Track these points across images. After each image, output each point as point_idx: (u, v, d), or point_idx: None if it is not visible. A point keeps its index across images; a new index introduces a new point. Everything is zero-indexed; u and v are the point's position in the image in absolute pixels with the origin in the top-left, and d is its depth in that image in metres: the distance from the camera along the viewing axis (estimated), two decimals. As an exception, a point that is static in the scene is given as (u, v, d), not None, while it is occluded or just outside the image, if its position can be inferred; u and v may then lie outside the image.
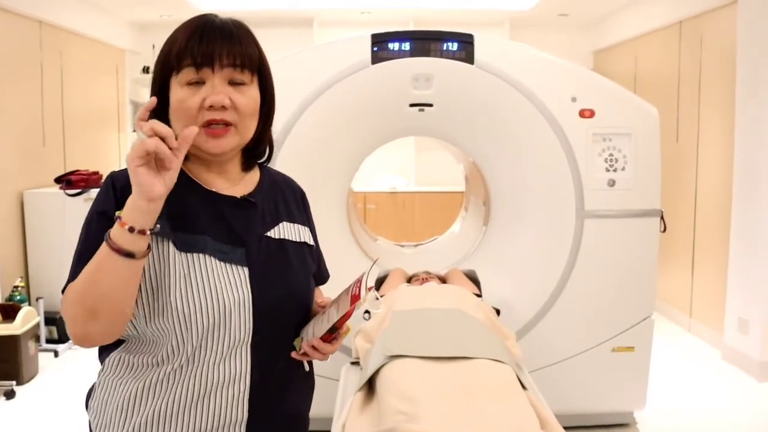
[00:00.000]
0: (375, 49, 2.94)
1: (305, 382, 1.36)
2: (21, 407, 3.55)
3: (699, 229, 4.69)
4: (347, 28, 6.47)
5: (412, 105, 3.00)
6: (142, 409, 1.16)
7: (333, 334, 1.19)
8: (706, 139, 4.59)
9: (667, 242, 4.55)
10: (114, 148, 6.28)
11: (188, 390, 1.16)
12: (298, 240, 1.31)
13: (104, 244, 1.05)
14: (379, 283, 3.02)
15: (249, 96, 1.20)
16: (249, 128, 1.23)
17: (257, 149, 1.31)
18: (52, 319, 4.38)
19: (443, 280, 3.00)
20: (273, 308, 1.21)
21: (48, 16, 4.94)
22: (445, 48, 2.95)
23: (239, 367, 1.18)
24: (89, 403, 1.25)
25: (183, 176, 1.23)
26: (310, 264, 1.34)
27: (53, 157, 5.11)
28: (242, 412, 1.19)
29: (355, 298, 1.13)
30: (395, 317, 2.30)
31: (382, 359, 1.98)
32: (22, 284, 4.39)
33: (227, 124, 1.17)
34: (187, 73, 1.16)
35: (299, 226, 1.34)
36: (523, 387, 1.93)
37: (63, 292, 1.15)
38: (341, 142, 3.03)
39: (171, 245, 1.16)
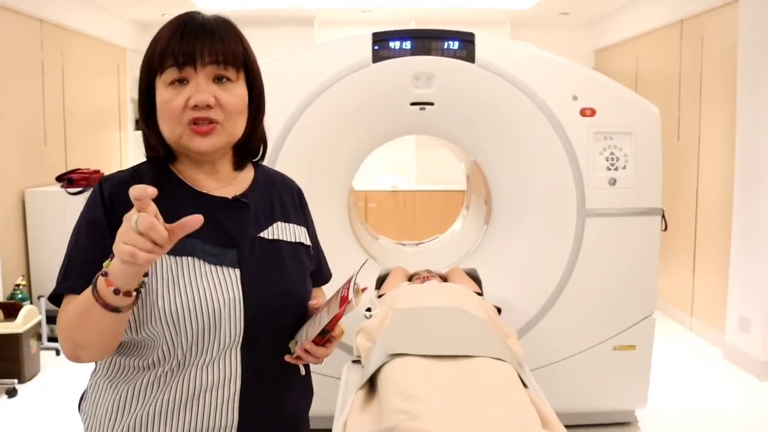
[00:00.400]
0: (376, 47, 2.94)
1: (302, 385, 1.33)
2: (23, 405, 3.55)
3: (700, 228, 4.69)
4: (348, 27, 6.47)
5: (413, 104, 3.00)
6: (132, 413, 1.15)
7: (326, 336, 1.16)
8: (707, 137, 4.59)
9: (668, 241, 4.55)
10: (115, 147, 6.28)
11: (177, 393, 1.14)
12: (293, 240, 1.29)
13: (91, 293, 1.02)
14: (381, 281, 3.02)
15: (234, 93, 1.18)
16: (237, 126, 1.20)
17: (249, 147, 1.28)
18: (53, 318, 4.38)
19: (444, 278, 3.00)
20: (265, 310, 1.19)
21: (49, 15, 4.94)
22: (446, 47, 2.95)
23: (229, 369, 1.16)
24: (81, 405, 1.25)
25: (172, 177, 1.22)
26: (307, 264, 1.32)
27: (54, 156, 5.12)
28: (233, 415, 1.17)
29: (344, 300, 1.11)
30: (396, 316, 2.30)
31: (383, 358, 1.98)
32: (24, 282, 4.40)
33: (214, 122, 1.15)
34: (171, 74, 1.14)
35: (295, 226, 1.31)
36: (525, 385, 1.93)
37: (50, 299, 1.16)
38: (342, 140, 3.03)
39: None
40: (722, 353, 4.27)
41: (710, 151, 4.56)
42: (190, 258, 1.14)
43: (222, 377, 1.16)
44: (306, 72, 2.94)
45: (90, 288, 1.03)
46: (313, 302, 1.27)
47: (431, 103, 3.00)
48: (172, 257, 1.14)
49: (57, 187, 4.77)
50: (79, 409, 1.26)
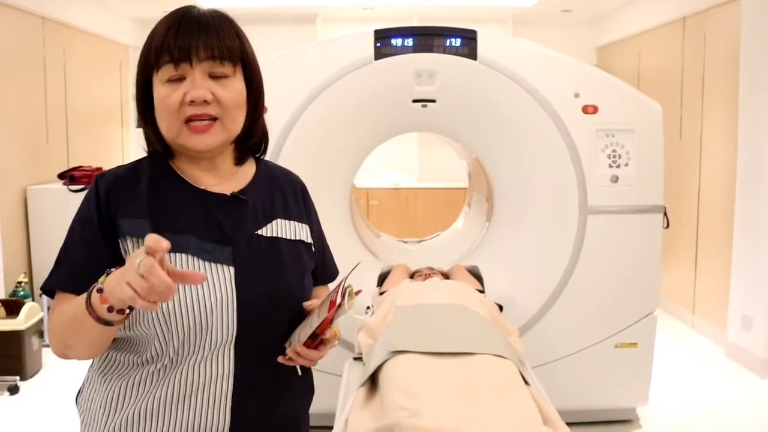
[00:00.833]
0: (378, 44, 2.94)
1: (301, 383, 1.31)
2: (25, 402, 3.56)
3: (702, 226, 4.69)
4: (350, 25, 6.47)
5: (415, 101, 3.00)
6: (125, 409, 1.15)
7: (317, 340, 1.15)
8: (710, 135, 4.58)
9: (670, 238, 4.54)
10: (117, 144, 6.29)
11: (170, 390, 1.14)
12: (292, 238, 1.27)
13: (84, 303, 1.02)
14: (382, 278, 3.02)
15: (232, 88, 1.16)
16: (235, 121, 1.19)
17: (249, 142, 1.26)
18: (55, 315, 4.39)
19: (446, 275, 3.00)
20: (260, 309, 1.17)
21: (51, 13, 4.95)
22: (448, 44, 2.95)
23: (222, 367, 1.15)
24: (78, 399, 1.25)
25: (171, 173, 1.21)
26: (306, 262, 1.30)
27: (57, 153, 5.12)
28: (225, 413, 1.15)
29: (333, 305, 1.09)
30: (398, 313, 2.30)
31: (384, 355, 1.98)
32: (26, 280, 4.41)
33: (211, 118, 1.14)
34: (167, 70, 1.13)
35: (296, 223, 1.30)
36: (526, 383, 1.93)
37: (42, 289, 1.17)
38: (344, 138, 3.03)
39: None
40: (724, 351, 4.27)
41: (712, 149, 4.55)
42: (183, 255, 1.14)
43: (214, 375, 1.15)
44: (308, 69, 2.94)
45: (84, 298, 1.03)
46: (307, 303, 1.24)
47: (433, 101, 3.00)
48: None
49: (59, 185, 4.78)
50: (76, 403, 1.26)
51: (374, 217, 6.18)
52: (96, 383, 1.20)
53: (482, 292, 2.86)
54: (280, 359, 1.20)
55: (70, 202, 4.57)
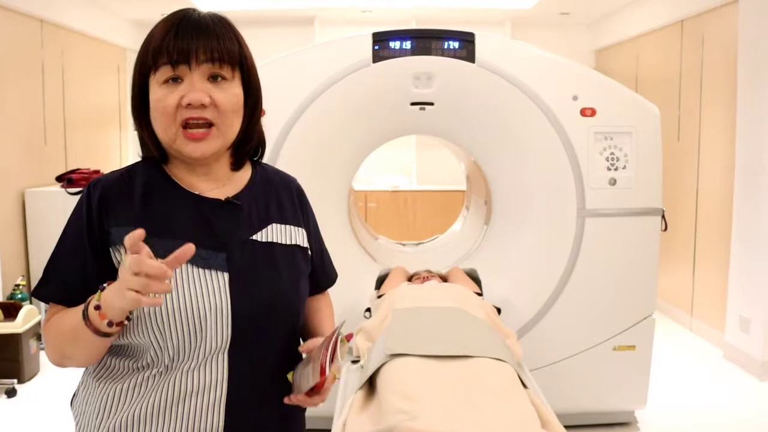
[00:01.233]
0: (376, 47, 2.94)
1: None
2: (22, 405, 3.55)
3: (700, 228, 4.69)
4: (348, 27, 6.47)
5: (413, 103, 3.00)
6: (118, 412, 1.14)
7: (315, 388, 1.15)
8: (708, 137, 4.59)
9: (668, 241, 4.55)
10: (115, 147, 6.28)
11: (163, 396, 1.13)
12: (288, 242, 1.26)
13: (81, 314, 1.05)
14: (380, 281, 3.02)
15: (230, 93, 1.15)
16: (232, 127, 1.17)
17: (246, 147, 1.25)
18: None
19: (444, 278, 3.00)
20: (254, 315, 1.16)
21: (49, 15, 4.94)
22: (446, 46, 2.95)
23: (216, 374, 1.14)
24: (73, 402, 1.25)
25: (165, 178, 1.20)
26: (302, 268, 1.28)
27: (55, 156, 5.12)
28: (218, 418, 1.14)
29: (323, 371, 1.09)
30: (396, 315, 2.30)
31: (382, 358, 1.98)
32: (24, 282, 4.40)
33: (208, 124, 1.13)
34: (165, 71, 1.12)
35: (292, 227, 1.28)
36: (524, 386, 1.93)
37: (34, 292, 1.17)
38: (342, 140, 3.03)
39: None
40: (722, 353, 4.27)
41: (710, 151, 4.55)
42: None
43: (208, 382, 1.14)
44: (306, 72, 2.94)
45: (80, 313, 1.05)
46: (303, 347, 1.23)
47: (431, 103, 3.00)
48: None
49: (57, 187, 4.77)
50: (71, 406, 1.26)
51: (372, 220, 6.18)
52: (91, 387, 1.19)
53: (480, 295, 2.86)
54: (285, 400, 1.20)
55: (68, 204, 4.55)
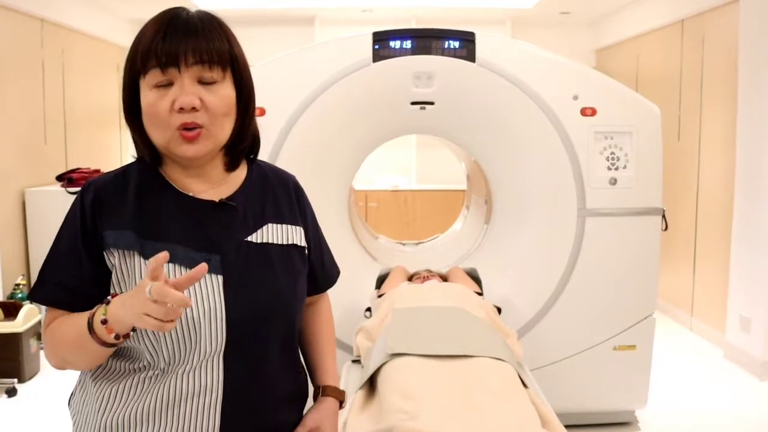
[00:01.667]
0: (376, 47, 2.93)
1: (292, 392, 1.29)
2: (22, 405, 3.55)
3: (701, 228, 4.69)
4: (349, 27, 6.46)
5: (413, 103, 3.00)
6: (115, 412, 1.14)
7: None
8: (708, 137, 4.58)
9: (668, 241, 4.55)
10: (115, 146, 6.28)
11: (159, 398, 1.12)
12: (284, 242, 1.24)
13: (85, 324, 1.06)
14: (381, 281, 3.02)
15: (220, 95, 1.13)
16: (223, 129, 1.16)
17: (239, 147, 1.23)
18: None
19: (444, 278, 3.00)
20: (249, 318, 1.15)
21: (49, 14, 4.94)
22: (446, 46, 2.95)
23: (211, 377, 1.13)
24: (71, 401, 1.25)
25: (159, 180, 1.19)
26: (299, 267, 1.27)
27: (55, 155, 5.12)
28: (214, 422, 1.13)
29: None
30: (396, 315, 2.30)
31: (383, 357, 1.98)
32: (24, 282, 4.40)
33: (199, 126, 1.12)
34: (154, 75, 1.10)
35: (288, 226, 1.26)
36: (525, 385, 1.93)
37: (30, 295, 1.17)
38: (342, 140, 3.03)
39: (138, 256, 1.12)
40: (723, 353, 4.27)
41: (711, 151, 4.55)
42: (170, 264, 1.12)
43: (203, 385, 1.13)
44: (306, 71, 2.94)
45: (85, 324, 1.06)
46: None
47: (432, 103, 3.00)
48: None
49: (57, 187, 4.77)
50: (68, 405, 1.26)
51: (373, 220, 6.18)
52: (88, 387, 1.19)
53: (481, 294, 2.86)
54: None
55: (69, 203, 4.49)
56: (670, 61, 5.14)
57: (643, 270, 3.08)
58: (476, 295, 2.65)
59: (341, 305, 2.97)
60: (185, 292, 1.09)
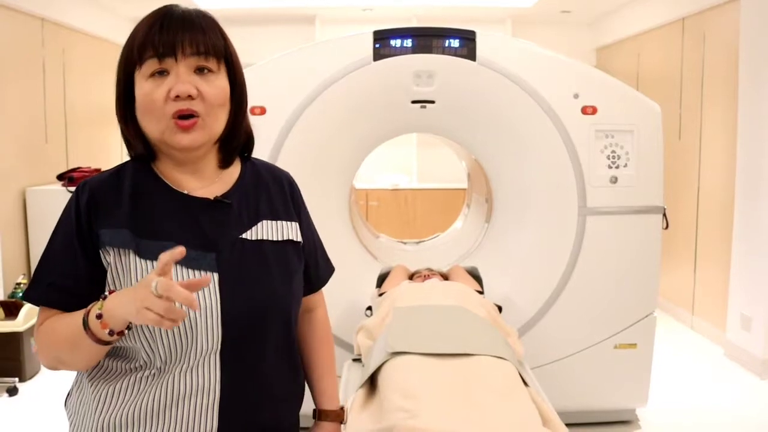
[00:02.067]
0: (377, 45, 2.93)
1: (290, 391, 1.29)
2: (23, 404, 3.55)
3: (702, 226, 4.69)
4: (349, 25, 6.46)
5: (414, 102, 3.00)
6: (111, 413, 1.13)
7: None
8: (709, 136, 4.58)
9: (669, 239, 4.54)
10: (116, 145, 6.28)
11: (156, 398, 1.12)
12: (279, 239, 1.25)
13: (79, 321, 1.05)
14: (381, 280, 3.02)
15: (216, 85, 1.14)
16: (218, 120, 1.16)
17: (233, 143, 1.23)
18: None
19: (445, 277, 3.00)
20: (246, 316, 1.15)
21: (50, 14, 4.94)
22: (447, 45, 2.95)
23: (208, 376, 1.13)
24: (67, 402, 1.25)
25: (153, 178, 1.19)
26: (294, 264, 1.27)
27: (55, 154, 5.12)
28: (211, 422, 1.13)
29: None
30: (397, 314, 2.30)
31: (383, 356, 1.98)
32: (25, 281, 4.40)
33: (195, 115, 1.12)
34: (150, 65, 1.11)
35: (283, 222, 1.27)
36: (525, 384, 1.93)
37: (24, 295, 1.17)
38: (343, 139, 3.03)
39: (133, 254, 1.12)
40: (723, 351, 4.26)
41: (712, 149, 4.55)
42: None
43: (200, 384, 1.13)
44: (307, 70, 2.94)
45: (79, 321, 1.05)
46: None
47: (432, 101, 3.00)
48: (147, 262, 1.12)
49: (58, 186, 4.78)
50: (65, 406, 1.25)
51: (373, 218, 6.18)
52: (85, 387, 1.19)
53: (481, 293, 2.86)
54: None
55: (69, 203, 4.56)
56: (670, 59, 5.14)
57: (643, 268, 3.08)
58: (477, 293, 2.65)
59: (342, 304, 2.97)
60: None
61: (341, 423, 1.41)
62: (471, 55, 2.94)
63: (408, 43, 2.94)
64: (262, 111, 2.88)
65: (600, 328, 3.10)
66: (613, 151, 3.01)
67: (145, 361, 1.13)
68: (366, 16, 6.43)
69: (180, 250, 0.98)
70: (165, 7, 1.16)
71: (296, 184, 1.36)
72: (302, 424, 1.34)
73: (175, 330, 1.10)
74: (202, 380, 1.13)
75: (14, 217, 4.57)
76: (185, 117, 1.12)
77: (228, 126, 1.20)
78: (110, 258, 1.13)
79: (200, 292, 1.12)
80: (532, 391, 1.90)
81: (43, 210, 4.64)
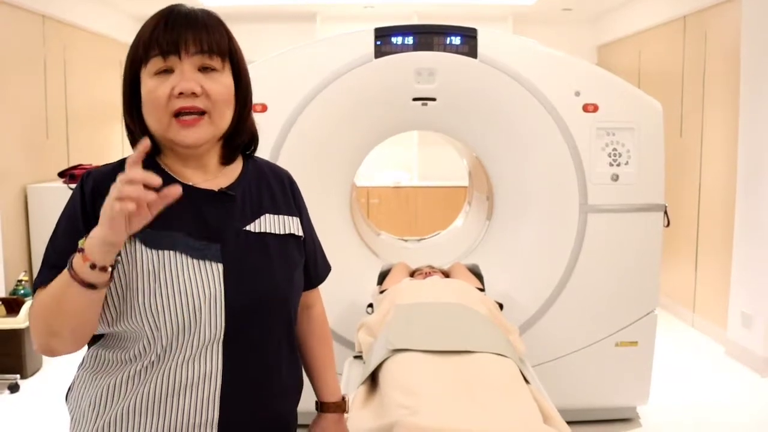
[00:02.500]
0: (378, 43, 2.93)
1: (289, 383, 1.30)
2: (25, 400, 3.56)
3: (702, 224, 4.69)
4: (350, 23, 6.46)
5: (415, 99, 3.00)
6: (112, 406, 1.14)
7: None
8: (710, 133, 4.58)
9: (670, 237, 4.54)
10: (118, 142, 6.28)
11: (157, 388, 1.13)
12: (281, 232, 1.26)
13: (66, 271, 1.03)
14: (382, 277, 3.02)
15: (221, 82, 1.16)
16: (223, 116, 1.18)
17: (237, 140, 1.25)
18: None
19: (446, 274, 3.00)
20: (248, 306, 1.17)
21: (51, 11, 4.94)
22: (448, 42, 2.94)
23: (210, 365, 1.14)
24: (68, 396, 1.25)
25: (157, 169, 1.19)
26: (296, 258, 1.29)
27: (57, 152, 5.12)
28: (213, 412, 1.14)
29: None
30: (398, 311, 2.30)
31: (384, 353, 1.98)
32: (26, 278, 4.40)
33: (200, 112, 1.14)
34: (155, 63, 1.13)
35: (285, 217, 1.28)
36: (526, 381, 1.93)
37: (34, 286, 1.16)
38: (344, 136, 3.03)
39: (139, 243, 1.13)
40: (724, 349, 4.27)
41: (713, 147, 4.55)
42: (171, 252, 1.13)
43: (202, 373, 1.14)
44: (308, 67, 2.94)
45: (65, 272, 1.03)
46: None
47: (433, 99, 3.00)
48: (153, 251, 1.12)
49: (59, 183, 4.78)
50: (66, 401, 1.25)
51: (374, 216, 6.18)
52: (85, 381, 1.19)
53: (482, 290, 2.86)
54: None
55: (71, 200, 4.56)
56: (672, 57, 5.14)
57: (644, 266, 3.08)
58: (478, 291, 2.66)
59: (343, 301, 2.98)
60: (186, 275, 1.12)
61: (344, 413, 1.44)
62: (472, 52, 2.94)
63: (409, 40, 2.94)
64: (264, 108, 2.88)
65: (601, 326, 3.11)
66: (614, 149, 3.01)
67: (145, 348, 1.13)
68: (367, 13, 6.42)
69: (146, 144, 1.01)
70: (171, 6, 1.18)
71: (296, 183, 1.38)
72: (303, 420, 1.34)
73: (179, 316, 1.11)
74: (204, 369, 1.14)
75: (15, 214, 4.57)
76: (187, 114, 1.13)
77: (233, 124, 1.21)
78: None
79: (205, 281, 1.13)
80: (533, 388, 1.90)
81: (44, 207, 4.65)
